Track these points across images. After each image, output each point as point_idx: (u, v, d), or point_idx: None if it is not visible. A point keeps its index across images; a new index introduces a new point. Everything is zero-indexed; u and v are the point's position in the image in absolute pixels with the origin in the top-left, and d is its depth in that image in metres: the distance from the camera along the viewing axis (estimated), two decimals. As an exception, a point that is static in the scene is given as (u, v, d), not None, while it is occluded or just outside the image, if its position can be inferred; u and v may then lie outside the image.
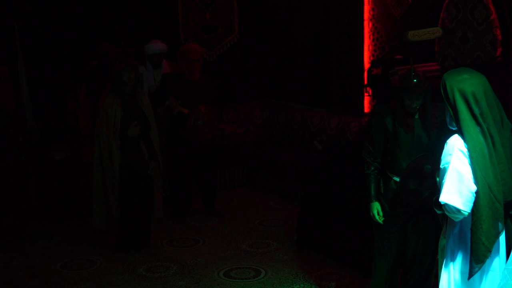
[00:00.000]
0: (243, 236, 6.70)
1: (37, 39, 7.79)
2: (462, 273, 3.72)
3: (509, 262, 3.67)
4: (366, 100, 7.52)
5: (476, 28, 6.21)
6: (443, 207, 3.63)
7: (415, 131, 4.40)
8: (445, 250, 3.82)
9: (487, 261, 3.63)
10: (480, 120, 3.55)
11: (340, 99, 7.88)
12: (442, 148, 3.68)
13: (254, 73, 9.04)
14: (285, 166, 7.86)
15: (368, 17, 7.42)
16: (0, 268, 6.07)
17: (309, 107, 8.34)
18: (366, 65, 7.32)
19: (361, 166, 4.78)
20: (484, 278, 3.69)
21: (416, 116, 4.43)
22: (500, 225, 3.58)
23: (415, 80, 4.31)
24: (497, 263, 3.70)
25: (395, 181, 4.50)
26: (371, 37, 7.41)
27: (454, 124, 3.64)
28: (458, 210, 3.56)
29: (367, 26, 7.44)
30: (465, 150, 3.56)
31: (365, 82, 6.74)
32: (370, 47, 7.44)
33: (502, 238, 3.69)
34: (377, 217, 4.59)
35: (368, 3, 7.39)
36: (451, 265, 3.78)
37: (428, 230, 4.52)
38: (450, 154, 3.60)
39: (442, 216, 3.80)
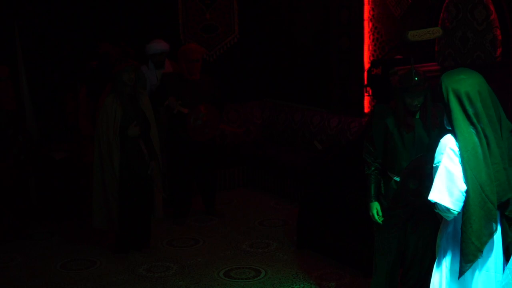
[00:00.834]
0: (243, 236, 6.70)
1: (37, 39, 7.79)
2: (453, 272, 3.73)
3: (510, 262, 3.68)
4: (366, 100, 7.52)
5: (476, 28, 6.21)
6: (435, 205, 3.65)
7: (416, 130, 4.41)
8: (438, 249, 3.83)
9: (481, 260, 3.63)
10: (474, 120, 3.56)
11: (340, 99, 7.88)
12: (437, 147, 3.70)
13: (254, 73, 9.04)
14: (285, 166, 7.86)
15: (368, 17, 7.42)
16: (0, 268, 6.07)
17: (309, 107, 8.34)
18: (366, 65, 7.32)
19: (361, 166, 4.78)
20: (476, 278, 3.69)
21: (417, 116, 4.44)
22: (494, 225, 3.58)
23: (416, 79, 4.31)
24: (492, 263, 3.70)
25: (395, 181, 4.50)
26: (371, 37, 7.41)
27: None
28: (448, 209, 3.58)
29: (367, 26, 7.44)
30: (456, 149, 3.57)
31: (365, 82, 6.73)
32: (370, 47, 7.44)
33: (497, 239, 3.69)
34: (376, 217, 4.59)
35: (368, 3, 7.39)
36: (443, 263, 3.79)
37: (428, 230, 4.52)
38: (442, 153, 3.62)
39: (437, 215, 3.81)
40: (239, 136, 8.66)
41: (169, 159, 7.13)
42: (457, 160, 3.57)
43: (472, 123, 3.57)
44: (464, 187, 3.55)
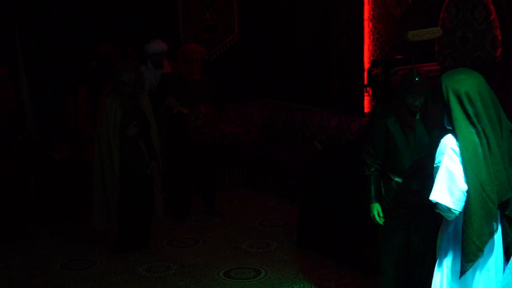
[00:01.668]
0: (243, 236, 6.70)
1: (37, 39, 7.79)
2: (454, 271, 3.73)
3: (511, 261, 3.68)
4: (366, 100, 7.52)
5: (476, 28, 6.21)
6: (436, 205, 3.65)
7: (416, 131, 4.40)
8: (439, 249, 3.84)
9: (481, 260, 3.64)
10: (475, 120, 3.57)
11: (340, 99, 7.88)
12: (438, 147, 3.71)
13: (254, 73, 9.04)
14: (285, 166, 7.86)
15: (368, 17, 7.42)
16: (0, 268, 6.07)
17: (309, 107, 8.34)
18: (366, 65, 7.32)
19: (361, 166, 4.77)
20: (477, 277, 3.70)
21: (418, 117, 4.43)
22: (495, 225, 3.58)
23: (417, 79, 4.32)
24: (492, 263, 3.70)
25: (396, 182, 4.49)
26: (371, 37, 7.41)
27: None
28: (449, 209, 3.59)
29: (367, 26, 7.44)
30: (457, 149, 3.58)
31: (365, 82, 6.73)
32: (370, 47, 7.44)
33: (498, 238, 3.69)
34: (377, 218, 4.58)
35: (368, 3, 7.39)
36: (444, 263, 3.80)
37: (429, 230, 4.51)
38: (443, 153, 3.63)
39: (436, 213, 3.81)
40: (239, 136, 8.66)
41: (169, 159, 7.13)
42: (457, 160, 3.57)
43: (472, 123, 3.57)
44: (465, 186, 3.55)
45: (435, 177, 3.64)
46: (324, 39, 8.06)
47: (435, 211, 3.78)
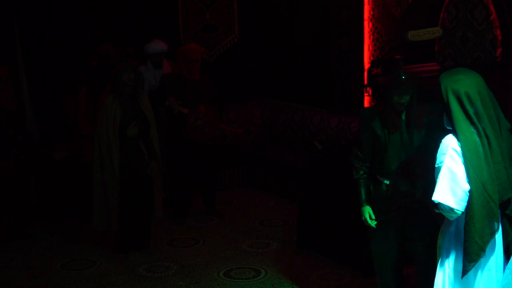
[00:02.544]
0: (243, 236, 6.70)
1: (37, 39, 7.79)
2: (456, 271, 3.73)
3: (510, 261, 3.68)
4: (366, 100, 7.51)
5: (476, 28, 6.21)
6: (438, 206, 3.65)
7: (402, 132, 4.41)
8: (440, 249, 3.84)
9: (483, 260, 3.64)
10: (475, 120, 3.57)
11: (340, 99, 7.88)
12: (436, 147, 3.70)
13: (254, 73, 9.04)
14: (285, 166, 7.86)
15: (368, 17, 7.42)
16: (0, 268, 6.08)
17: (309, 107, 8.34)
18: (366, 65, 7.32)
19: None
20: (479, 277, 3.70)
21: (403, 118, 4.44)
22: (496, 225, 3.59)
23: (403, 77, 4.34)
24: (493, 262, 3.71)
25: (385, 184, 4.49)
26: (371, 37, 7.41)
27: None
28: (452, 209, 3.59)
29: (367, 26, 7.44)
30: (458, 149, 3.58)
31: (365, 82, 6.73)
32: (370, 47, 7.44)
33: (498, 238, 3.70)
34: (369, 221, 4.58)
35: (368, 3, 7.39)
36: (446, 263, 3.80)
37: (426, 231, 4.50)
38: (444, 154, 3.63)
39: (438, 215, 3.81)
40: (239, 136, 8.66)
41: (169, 159, 7.13)
42: (459, 160, 3.58)
43: (472, 123, 3.58)
44: (467, 186, 3.55)
45: (436, 177, 3.64)
46: (324, 39, 8.06)
47: (429, 211, 3.79)
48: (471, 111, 3.58)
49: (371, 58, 7.36)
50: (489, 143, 3.58)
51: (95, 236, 6.60)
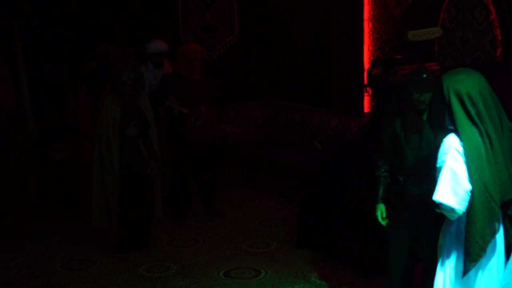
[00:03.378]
0: (243, 236, 6.70)
1: (37, 39, 7.79)
2: (457, 271, 3.73)
3: (510, 261, 3.68)
4: (366, 100, 7.51)
5: (476, 28, 6.21)
6: (439, 205, 3.64)
7: (423, 132, 4.38)
8: (441, 249, 3.83)
9: (483, 260, 3.64)
10: (477, 120, 3.57)
11: (340, 99, 7.88)
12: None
13: (254, 73, 9.04)
14: (285, 166, 7.86)
15: (368, 17, 7.41)
16: (0, 268, 6.08)
17: (309, 107, 8.34)
18: (366, 65, 7.32)
19: (360, 166, 4.77)
20: (480, 277, 3.70)
21: (424, 118, 4.41)
22: (497, 225, 3.59)
23: (424, 75, 4.31)
24: (494, 262, 3.71)
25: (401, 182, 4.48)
26: (371, 37, 7.41)
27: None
28: (453, 209, 3.58)
29: (367, 26, 7.44)
30: (460, 149, 3.58)
31: (365, 82, 6.73)
32: (370, 47, 7.44)
33: (499, 238, 3.69)
34: (380, 219, 4.56)
35: (368, 3, 7.39)
36: (447, 263, 3.80)
37: (434, 233, 4.48)
38: (446, 153, 3.63)
39: (440, 215, 3.81)
40: (239, 136, 8.66)
41: (169, 159, 7.12)
42: (461, 160, 3.57)
43: (474, 123, 3.57)
44: (469, 186, 3.55)
45: (438, 177, 3.63)
46: (324, 39, 8.06)
47: (437, 211, 3.78)
48: (473, 111, 3.57)
49: (371, 58, 7.36)
50: (491, 143, 3.58)
51: (95, 236, 6.60)
